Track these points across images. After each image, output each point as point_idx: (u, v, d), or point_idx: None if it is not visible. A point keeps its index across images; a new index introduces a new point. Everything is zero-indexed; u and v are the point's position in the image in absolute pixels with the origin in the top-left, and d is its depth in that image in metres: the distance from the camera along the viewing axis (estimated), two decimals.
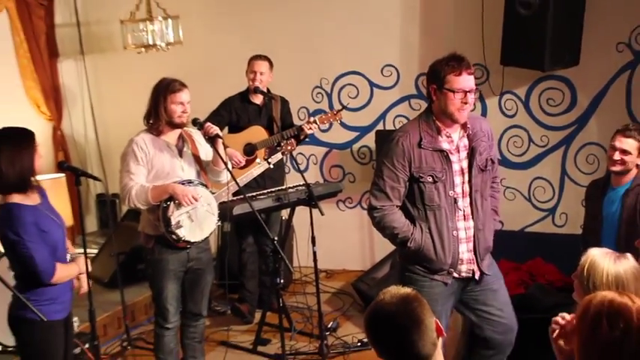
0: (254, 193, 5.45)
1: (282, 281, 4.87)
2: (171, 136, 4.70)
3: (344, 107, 6.30)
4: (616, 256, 2.87)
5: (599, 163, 6.31)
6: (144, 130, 4.69)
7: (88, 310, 4.32)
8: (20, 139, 3.81)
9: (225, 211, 5.14)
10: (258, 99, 6.11)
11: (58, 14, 7.74)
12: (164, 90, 4.62)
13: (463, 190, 3.94)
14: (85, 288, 4.17)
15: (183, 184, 4.58)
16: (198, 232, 4.67)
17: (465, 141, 3.96)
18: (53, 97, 7.55)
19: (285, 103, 6.22)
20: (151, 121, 4.67)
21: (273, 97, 6.05)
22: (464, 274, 4.01)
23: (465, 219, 3.96)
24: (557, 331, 2.55)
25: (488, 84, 6.63)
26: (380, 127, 7.13)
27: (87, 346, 5.14)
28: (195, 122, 4.71)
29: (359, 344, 5.63)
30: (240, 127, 6.04)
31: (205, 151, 4.80)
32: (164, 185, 4.54)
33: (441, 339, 2.47)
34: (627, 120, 5.97)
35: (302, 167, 7.21)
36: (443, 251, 3.92)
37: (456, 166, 3.92)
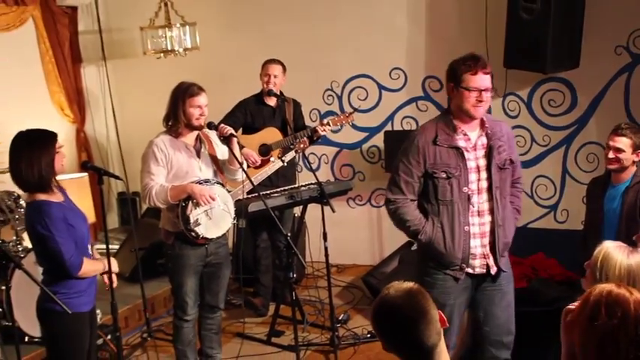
0: (268, 191, 5.46)
1: (294, 275, 4.86)
2: (190, 138, 4.70)
3: (355, 110, 6.29)
4: (630, 249, 2.86)
5: (598, 161, 6.29)
6: (163, 132, 4.69)
7: (110, 302, 4.33)
8: (38, 141, 3.82)
9: (240, 208, 5.14)
10: (272, 101, 6.10)
11: (81, 22, 7.77)
12: (183, 94, 4.61)
13: (479, 187, 3.90)
14: (114, 284, 4.17)
15: (200, 183, 4.58)
16: (215, 229, 4.67)
17: (484, 139, 3.92)
18: (76, 101, 7.58)
19: (297, 105, 6.21)
20: (169, 123, 4.67)
21: (287, 99, 6.05)
22: (478, 270, 3.96)
23: (479, 215, 3.91)
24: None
25: (492, 86, 6.59)
26: (388, 127, 7.13)
27: (109, 337, 5.16)
28: (210, 126, 4.71)
29: (369, 336, 5.61)
30: (255, 129, 6.03)
31: (222, 152, 4.80)
32: (182, 185, 4.55)
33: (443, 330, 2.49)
34: (626, 120, 5.93)
35: (314, 166, 7.22)
36: (453, 245, 3.89)
37: (471, 164, 3.89)
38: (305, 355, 5.41)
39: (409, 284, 2.49)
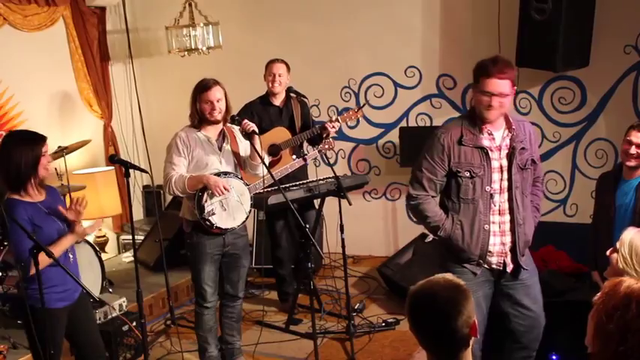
0: (287, 185, 5.43)
1: (312, 266, 4.86)
2: (212, 132, 4.71)
3: (364, 104, 6.22)
4: None
5: (607, 157, 6.25)
6: (187, 126, 4.74)
7: (135, 291, 4.35)
8: (23, 142, 3.81)
9: (260, 200, 5.15)
10: (278, 101, 6.00)
11: (109, 22, 7.78)
12: (197, 90, 4.68)
13: (501, 187, 3.84)
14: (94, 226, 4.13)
15: (218, 175, 4.60)
16: (230, 220, 4.69)
17: (508, 140, 3.86)
18: (104, 97, 7.60)
19: (304, 105, 6.05)
20: (192, 118, 4.73)
21: (304, 96, 5.96)
22: (494, 266, 3.92)
23: (500, 214, 3.86)
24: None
25: None
26: (403, 124, 7.10)
27: (134, 323, 5.18)
28: (234, 119, 4.73)
29: (383, 324, 5.61)
30: (263, 129, 5.78)
31: (244, 147, 4.80)
32: (200, 175, 4.58)
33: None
34: (634, 117, 5.90)
35: (331, 161, 7.20)
36: (471, 242, 3.85)
37: (495, 163, 3.83)
38: (322, 342, 5.39)
39: (451, 276, 2.39)
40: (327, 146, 5.47)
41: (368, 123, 7.20)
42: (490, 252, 3.87)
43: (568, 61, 5.96)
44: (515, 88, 3.84)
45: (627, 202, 4.43)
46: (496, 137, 3.85)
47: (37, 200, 3.86)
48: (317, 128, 5.80)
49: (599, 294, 2.28)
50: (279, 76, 5.92)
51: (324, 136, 5.77)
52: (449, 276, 2.38)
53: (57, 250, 3.77)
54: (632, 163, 4.40)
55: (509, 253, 3.90)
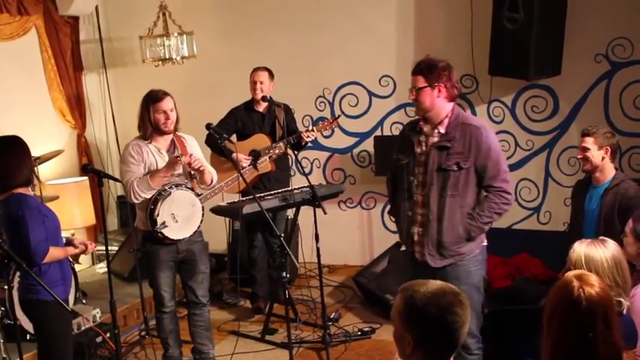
0: (262, 194, 5.44)
1: (288, 275, 4.86)
2: (162, 143, 4.76)
3: (340, 115, 6.30)
4: (597, 241, 2.93)
5: (579, 165, 6.26)
6: (135, 138, 4.78)
7: (109, 301, 4.31)
8: (25, 145, 4.03)
9: (235, 210, 5.14)
10: (261, 107, 6.09)
11: (82, 31, 7.73)
12: (148, 100, 4.71)
13: (423, 180, 4.02)
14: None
15: (170, 187, 4.63)
16: (181, 232, 4.73)
17: (436, 138, 3.99)
18: (77, 107, 7.54)
19: (288, 110, 6.18)
20: (143, 129, 4.74)
21: (278, 104, 6.01)
22: (417, 256, 4.09)
23: (420, 205, 4.05)
24: None
25: (478, 93, 6.61)
26: (378, 133, 7.11)
27: (108, 335, 5.13)
28: (209, 127, 4.84)
29: (359, 333, 5.60)
30: (246, 135, 6.04)
31: (195, 156, 4.83)
32: (159, 169, 4.63)
33: None
34: (605, 125, 5.95)
35: (306, 170, 7.21)
36: (399, 226, 4.23)
37: (420, 157, 4.04)
38: (297, 352, 5.37)
39: (444, 283, 2.39)
40: (276, 150, 5.79)
41: (343, 132, 7.20)
42: (413, 240, 4.10)
43: (540, 69, 6.01)
44: (437, 84, 3.96)
45: (594, 208, 4.56)
46: (426, 132, 4.04)
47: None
48: (294, 137, 5.87)
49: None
50: (261, 83, 6.02)
51: (304, 144, 6.01)
52: (447, 284, 2.39)
53: (57, 254, 3.99)
54: (584, 167, 4.62)
55: (423, 246, 4.06)
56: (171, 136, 4.77)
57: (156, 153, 4.70)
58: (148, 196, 4.61)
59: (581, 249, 3.06)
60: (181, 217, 4.69)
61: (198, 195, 4.81)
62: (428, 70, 3.98)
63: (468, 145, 3.93)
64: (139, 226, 4.82)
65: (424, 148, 4.02)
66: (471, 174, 3.96)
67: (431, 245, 4.02)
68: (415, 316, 2.30)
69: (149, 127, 4.69)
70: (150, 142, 4.71)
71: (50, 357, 4.07)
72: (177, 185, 4.69)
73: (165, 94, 4.71)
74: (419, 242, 4.07)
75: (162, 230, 4.60)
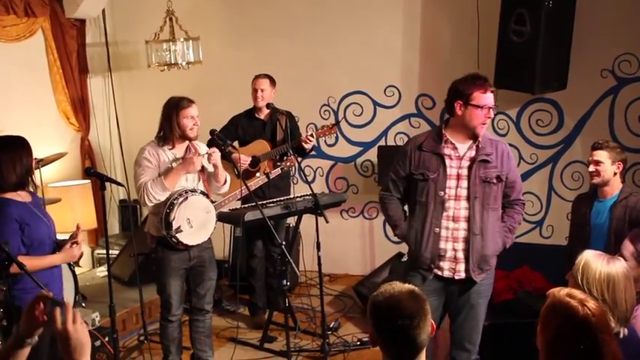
0: (264, 201, 5.43)
1: (288, 283, 4.86)
2: (179, 149, 4.77)
3: (338, 122, 6.35)
4: (609, 257, 2.89)
5: (583, 179, 6.29)
6: (151, 142, 4.78)
7: (108, 305, 4.30)
8: (21, 145, 3.91)
9: (237, 217, 5.14)
10: (262, 114, 6.10)
11: (88, 34, 7.74)
12: (175, 107, 4.70)
13: (456, 194, 3.98)
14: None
15: (186, 192, 4.62)
16: (195, 237, 4.72)
17: (473, 152, 3.99)
18: (82, 110, 7.54)
19: (291, 118, 6.16)
20: (161, 135, 4.74)
21: (280, 111, 6.01)
22: (446, 273, 4.02)
23: (454, 220, 3.99)
24: None
25: None
26: (382, 142, 7.12)
27: (107, 339, 5.12)
28: (213, 133, 4.89)
29: (358, 343, 5.58)
30: (247, 141, 6.06)
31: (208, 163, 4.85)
32: (175, 167, 4.63)
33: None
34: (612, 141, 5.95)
35: (309, 178, 7.19)
36: (421, 243, 4.03)
37: (452, 171, 3.98)
38: None
39: (411, 286, 2.49)
40: (288, 163, 5.60)
41: (346, 141, 7.21)
42: (441, 256, 4.00)
43: (546, 83, 6.01)
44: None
45: (602, 222, 4.50)
46: (459, 148, 4.00)
47: (27, 201, 3.95)
48: (294, 142, 5.84)
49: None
50: (262, 91, 6.02)
51: (307, 152, 6.00)
52: (398, 284, 2.49)
53: (38, 263, 3.85)
54: (595, 180, 4.53)
55: (463, 260, 3.99)
56: (187, 143, 4.78)
57: (172, 159, 4.71)
58: (162, 198, 4.61)
59: (589, 256, 3.01)
60: (196, 223, 4.68)
61: (212, 202, 4.83)
62: None
63: (501, 160, 4.03)
64: (151, 231, 4.79)
65: (461, 162, 3.99)
66: (501, 187, 4.07)
67: (477, 259, 4.00)
68: (370, 311, 2.47)
69: (175, 131, 4.68)
70: (171, 148, 4.72)
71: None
72: (192, 191, 4.69)
73: (192, 101, 4.74)
74: (459, 259, 4.00)
75: (176, 235, 4.60)
